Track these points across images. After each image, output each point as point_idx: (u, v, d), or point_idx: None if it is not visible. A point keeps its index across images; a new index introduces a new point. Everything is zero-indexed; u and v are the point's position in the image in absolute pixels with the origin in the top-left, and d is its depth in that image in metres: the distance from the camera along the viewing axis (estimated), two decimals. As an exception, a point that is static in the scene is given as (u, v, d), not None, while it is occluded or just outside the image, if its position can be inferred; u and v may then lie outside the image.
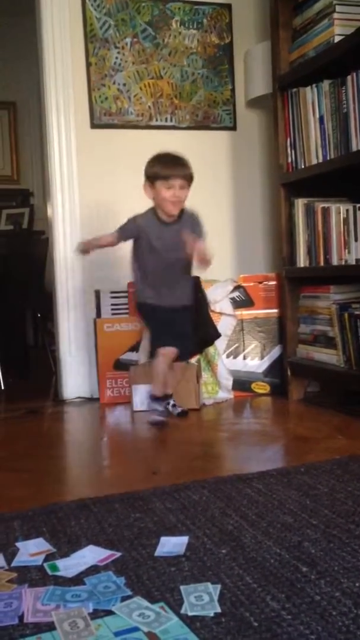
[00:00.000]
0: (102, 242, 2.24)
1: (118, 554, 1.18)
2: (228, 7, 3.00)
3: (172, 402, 2.38)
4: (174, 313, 2.25)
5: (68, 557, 1.18)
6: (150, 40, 2.90)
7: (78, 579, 1.09)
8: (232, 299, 2.71)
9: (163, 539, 1.23)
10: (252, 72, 2.95)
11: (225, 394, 2.66)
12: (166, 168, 2.14)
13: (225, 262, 2.98)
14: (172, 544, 1.21)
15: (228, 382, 2.67)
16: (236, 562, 1.13)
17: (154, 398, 2.31)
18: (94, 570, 1.12)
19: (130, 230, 2.22)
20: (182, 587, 1.04)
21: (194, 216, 2.24)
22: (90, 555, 1.18)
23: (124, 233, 2.23)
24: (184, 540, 1.23)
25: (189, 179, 2.16)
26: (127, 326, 2.70)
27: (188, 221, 2.21)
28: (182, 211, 2.21)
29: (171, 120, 2.94)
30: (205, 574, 1.09)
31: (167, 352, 2.21)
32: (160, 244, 2.19)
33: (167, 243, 2.18)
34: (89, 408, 2.68)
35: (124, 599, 1.01)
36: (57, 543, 1.25)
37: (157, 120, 2.92)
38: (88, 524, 1.33)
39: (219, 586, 1.04)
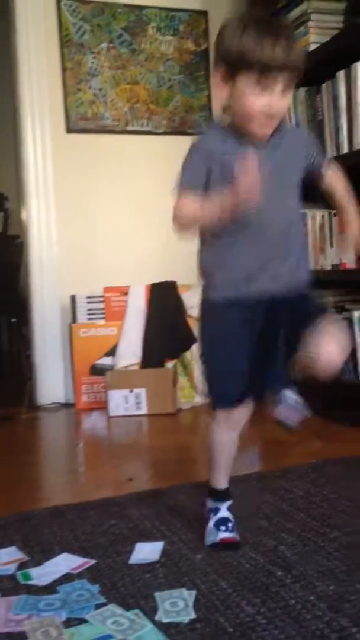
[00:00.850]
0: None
1: (92, 562, 1.17)
2: (204, 13, 3.01)
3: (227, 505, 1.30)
4: (272, 312, 1.25)
5: (41, 565, 1.17)
6: (126, 45, 2.89)
7: (51, 588, 1.07)
8: (209, 304, 2.71)
9: (138, 546, 1.22)
10: (228, 79, 2.96)
11: (202, 398, 2.65)
12: (263, 46, 1.12)
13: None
14: (147, 551, 1.20)
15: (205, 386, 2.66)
16: (211, 567, 1.12)
17: (213, 494, 1.31)
18: (67, 578, 1.11)
19: (201, 172, 1.21)
20: (156, 594, 1.03)
21: (301, 130, 1.31)
22: (64, 563, 1.17)
23: (195, 182, 1.20)
24: (159, 546, 1.22)
25: (297, 73, 1.15)
26: (103, 331, 2.68)
27: (297, 137, 1.30)
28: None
29: (147, 125, 2.93)
30: (181, 580, 1.08)
31: (234, 414, 1.36)
32: None
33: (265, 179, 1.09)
34: (65, 414, 2.65)
35: (98, 606, 1.00)
36: (30, 551, 1.23)
37: (133, 125, 2.91)
38: (62, 532, 1.32)
39: (194, 592, 1.03)
